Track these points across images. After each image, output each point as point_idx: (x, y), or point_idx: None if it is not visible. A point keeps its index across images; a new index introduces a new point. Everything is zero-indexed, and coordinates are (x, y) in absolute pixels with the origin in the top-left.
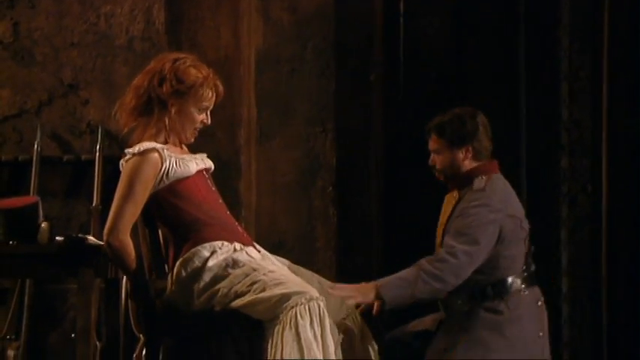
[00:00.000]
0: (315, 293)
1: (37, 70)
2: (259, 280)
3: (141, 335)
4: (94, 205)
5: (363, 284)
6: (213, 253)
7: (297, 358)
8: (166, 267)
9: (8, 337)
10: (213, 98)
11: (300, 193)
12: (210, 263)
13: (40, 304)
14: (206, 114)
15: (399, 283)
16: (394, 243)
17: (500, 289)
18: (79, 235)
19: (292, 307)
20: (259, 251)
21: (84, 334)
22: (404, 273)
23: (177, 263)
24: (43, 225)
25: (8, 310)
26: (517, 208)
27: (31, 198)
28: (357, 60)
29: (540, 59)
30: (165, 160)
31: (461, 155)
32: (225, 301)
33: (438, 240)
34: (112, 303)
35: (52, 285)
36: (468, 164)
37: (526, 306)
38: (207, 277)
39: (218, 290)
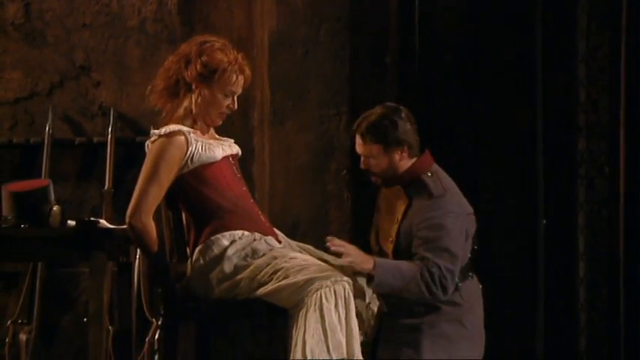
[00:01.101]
0: (340, 276)
1: (49, 52)
2: (281, 268)
3: (154, 319)
4: (105, 188)
5: (365, 255)
6: (232, 242)
7: (320, 341)
8: (188, 251)
9: (20, 320)
10: (240, 83)
11: (313, 176)
12: (230, 252)
13: (51, 288)
14: (232, 99)
15: (396, 274)
16: None
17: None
18: (91, 219)
19: (317, 290)
20: (280, 242)
21: (96, 318)
22: (405, 266)
23: (197, 250)
24: (54, 208)
25: (20, 294)
26: (467, 202)
27: (43, 181)
28: (371, 42)
29: (557, 40)
30: (191, 144)
31: (397, 157)
32: (247, 291)
33: (389, 233)
34: (125, 287)
35: (63, 269)
36: (405, 163)
37: (474, 291)
38: (227, 267)
39: (240, 280)
